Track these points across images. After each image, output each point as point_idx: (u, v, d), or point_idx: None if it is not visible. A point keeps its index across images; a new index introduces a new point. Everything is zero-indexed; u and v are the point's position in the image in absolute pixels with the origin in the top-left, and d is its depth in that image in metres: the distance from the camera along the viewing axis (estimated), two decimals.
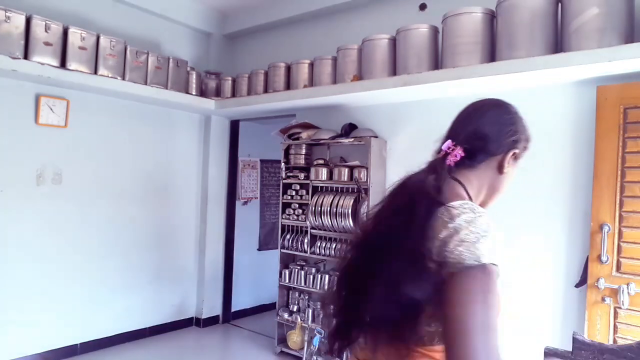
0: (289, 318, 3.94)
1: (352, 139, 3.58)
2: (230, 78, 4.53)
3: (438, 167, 1.09)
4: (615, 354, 1.31)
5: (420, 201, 0.99)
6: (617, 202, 2.53)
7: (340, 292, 1.12)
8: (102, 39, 3.64)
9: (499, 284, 0.90)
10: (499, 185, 1.16)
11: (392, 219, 1.03)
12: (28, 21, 3.25)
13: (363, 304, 1.02)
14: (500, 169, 1.13)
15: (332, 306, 1.15)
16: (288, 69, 4.05)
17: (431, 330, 0.94)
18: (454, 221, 0.94)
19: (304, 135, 3.90)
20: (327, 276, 3.73)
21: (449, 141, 1.17)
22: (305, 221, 3.84)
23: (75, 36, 3.48)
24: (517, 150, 1.16)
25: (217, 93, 4.57)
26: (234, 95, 4.47)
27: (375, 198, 3.50)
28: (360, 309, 1.03)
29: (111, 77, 3.69)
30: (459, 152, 1.11)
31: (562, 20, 2.61)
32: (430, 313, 0.92)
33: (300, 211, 3.90)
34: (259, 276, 5.31)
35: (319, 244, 3.78)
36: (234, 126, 5.04)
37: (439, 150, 1.17)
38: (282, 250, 4.05)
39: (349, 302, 1.07)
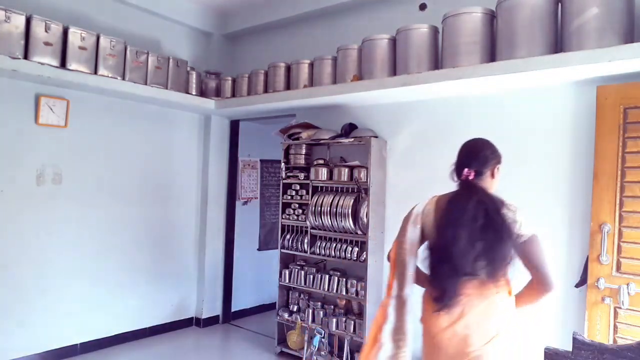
0: (289, 318, 3.94)
1: (352, 139, 3.58)
2: (230, 78, 4.53)
3: (470, 184, 1.85)
4: (615, 354, 1.30)
5: (493, 200, 1.77)
6: (617, 202, 2.53)
7: (444, 259, 1.75)
8: (102, 39, 3.64)
9: None
10: (494, 186, 1.94)
11: (474, 211, 1.73)
12: (28, 21, 3.25)
13: (464, 263, 1.70)
14: (492, 176, 1.92)
15: (433, 272, 1.79)
16: (288, 69, 4.05)
17: (507, 272, 1.77)
18: (513, 210, 1.78)
19: (304, 135, 3.90)
20: (327, 276, 3.73)
21: (466, 169, 1.86)
22: (305, 221, 3.84)
23: (75, 36, 3.48)
24: (499, 164, 1.95)
25: (217, 93, 4.57)
26: (234, 95, 4.47)
27: (375, 198, 3.50)
28: (460, 267, 1.71)
29: (111, 77, 3.69)
30: (472, 173, 1.85)
31: (562, 20, 2.61)
32: (507, 263, 1.75)
33: (300, 211, 3.90)
34: (259, 276, 5.31)
35: (319, 244, 3.77)
36: (234, 126, 5.04)
37: (461, 175, 1.88)
38: (282, 250, 4.05)
39: (455, 264, 1.70)
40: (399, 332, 1.76)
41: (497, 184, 1.93)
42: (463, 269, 1.69)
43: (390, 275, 1.87)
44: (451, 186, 3.33)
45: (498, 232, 1.70)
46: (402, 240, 1.88)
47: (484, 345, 1.71)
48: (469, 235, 1.69)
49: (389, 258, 1.99)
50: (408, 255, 1.83)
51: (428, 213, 1.90)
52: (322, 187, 3.81)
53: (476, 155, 1.89)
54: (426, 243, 1.88)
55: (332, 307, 3.76)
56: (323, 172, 3.75)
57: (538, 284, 1.79)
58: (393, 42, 3.29)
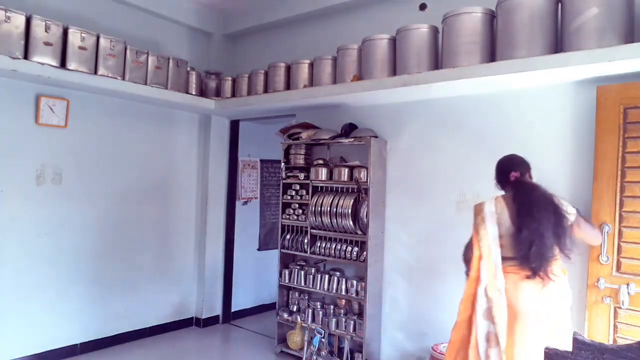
0: (289, 318, 3.94)
1: (352, 139, 3.58)
2: (230, 78, 4.53)
3: (523, 182, 2.36)
4: (615, 354, 1.30)
5: (548, 195, 2.26)
6: (617, 202, 2.53)
7: (533, 241, 2.17)
8: (102, 39, 3.64)
9: None
10: None
11: (539, 203, 2.21)
12: (28, 21, 3.25)
13: (550, 242, 2.16)
14: (530, 177, 2.43)
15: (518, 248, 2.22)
16: (288, 69, 4.05)
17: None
18: (561, 200, 2.26)
19: (304, 135, 3.90)
20: (327, 276, 3.73)
21: (513, 172, 2.38)
22: (305, 221, 3.84)
23: (75, 36, 3.48)
24: (531, 170, 2.46)
25: (217, 93, 4.57)
26: (234, 95, 4.47)
27: (375, 198, 3.50)
28: (548, 246, 2.16)
29: (111, 77, 3.69)
30: (519, 174, 2.37)
31: (562, 20, 2.61)
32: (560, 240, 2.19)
33: (300, 211, 3.90)
34: (259, 276, 5.31)
35: (319, 244, 3.77)
36: (234, 126, 5.04)
37: (509, 179, 2.38)
38: (282, 250, 4.05)
39: (544, 243, 2.15)
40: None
41: None
42: (551, 248, 2.16)
43: (476, 266, 2.32)
44: (452, 186, 3.32)
45: (561, 215, 2.19)
46: (482, 236, 2.29)
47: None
48: (546, 220, 2.16)
49: (466, 258, 2.47)
50: (493, 247, 2.25)
51: (501, 210, 2.30)
52: (322, 187, 3.81)
53: (518, 163, 2.42)
54: (509, 231, 2.27)
55: (332, 307, 3.76)
56: (323, 172, 3.75)
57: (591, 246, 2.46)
58: (393, 42, 3.29)
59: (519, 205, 2.26)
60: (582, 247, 2.45)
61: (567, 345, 1.67)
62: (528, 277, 2.18)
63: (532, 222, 2.17)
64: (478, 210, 2.35)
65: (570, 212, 2.24)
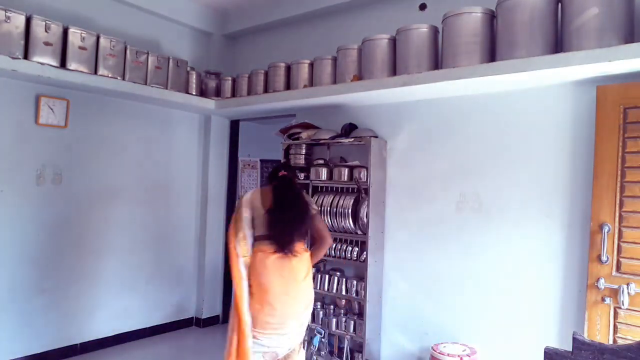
0: None
1: (352, 139, 3.58)
2: (230, 78, 4.53)
3: (285, 177, 2.83)
4: (615, 354, 1.30)
5: (300, 191, 2.81)
6: (617, 202, 2.53)
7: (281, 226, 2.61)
8: (102, 39, 3.64)
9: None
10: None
11: (291, 195, 2.70)
12: (28, 21, 3.25)
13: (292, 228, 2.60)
14: (295, 180, 3.02)
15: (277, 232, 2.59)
16: (288, 69, 4.05)
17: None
18: (307, 198, 2.86)
19: (304, 135, 3.90)
20: (327, 276, 3.73)
21: (282, 171, 2.83)
22: None
23: (75, 36, 3.48)
24: (296, 176, 3.28)
25: (217, 93, 4.57)
26: (234, 95, 4.47)
27: (375, 198, 3.50)
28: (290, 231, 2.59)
29: (111, 77, 3.69)
30: (284, 173, 2.84)
31: (562, 20, 2.61)
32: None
33: None
34: None
35: None
36: (234, 126, 5.04)
37: (279, 174, 2.83)
38: None
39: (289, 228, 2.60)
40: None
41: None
42: (296, 230, 2.61)
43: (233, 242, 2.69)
44: (452, 186, 3.34)
45: (306, 206, 2.70)
46: (238, 218, 2.66)
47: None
48: (294, 208, 2.64)
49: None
50: (247, 228, 2.64)
51: (260, 198, 2.70)
52: (322, 187, 3.81)
53: (289, 167, 3.09)
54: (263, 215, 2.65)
55: (332, 307, 3.76)
56: (323, 172, 3.75)
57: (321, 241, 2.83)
58: (393, 42, 3.29)
59: (275, 195, 2.67)
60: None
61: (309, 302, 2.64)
62: (275, 252, 2.56)
63: (283, 208, 2.62)
64: (241, 198, 2.76)
65: (314, 208, 2.78)
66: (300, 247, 2.64)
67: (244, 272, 2.58)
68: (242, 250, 2.60)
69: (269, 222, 2.61)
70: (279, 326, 2.54)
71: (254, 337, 2.51)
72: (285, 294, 2.55)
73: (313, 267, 2.80)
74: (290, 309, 2.56)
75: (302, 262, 2.63)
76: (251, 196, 2.75)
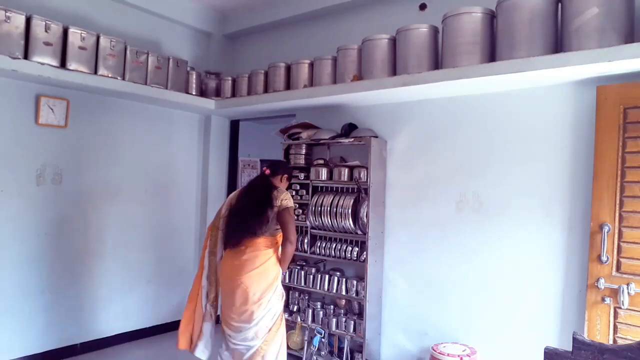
0: (289, 318, 3.93)
1: (352, 139, 3.58)
2: (230, 78, 4.53)
3: (261, 176, 3.01)
4: (615, 354, 1.30)
5: (267, 188, 2.88)
6: (617, 202, 2.53)
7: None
8: (102, 39, 3.64)
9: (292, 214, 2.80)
10: (282, 184, 3.08)
11: (253, 193, 2.84)
12: (28, 21, 3.25)
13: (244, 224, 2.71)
14: (281, 180, 3.07)
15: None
16: (288, 69, 4.05)
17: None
18: (279, 195, 2.79)
19: (304, 135, 3.90)
20: (327, 276, 3.73)
21: (265, 168, 3.02)
22: (305, 221, 3.84)
23: (75, 36, 3.48)
24: (286, 174, 3.11)
25: (217, 93, 4.57)
26: (234, 95, 4.47)
27: (375, 198, 3.51)
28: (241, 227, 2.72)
29: (111, 77, 3.69)
30: (268, 171, 3.01)
31: (562, 20, 2.61)
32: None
33: (300, 211, 3.90)
34: None
35: (319, 244, 3.77)
36: (234, 126, 5.04)
37: (263, 171, 3.05)
38: None
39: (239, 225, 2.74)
40: (211, 276, 2.94)
41: (284, 185, 3.03)
42: (254, 227, 2.70)
43: (207, 236, 3.02)
44: (452, 186, 3.34)
45: (268, 204, 2.73)
46: (216, 214, 2.98)
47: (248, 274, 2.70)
48: (253, 206, 2.74)
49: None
50: (220, 223, 2.91)
51: (236, 196, 2.92)
52: (322, 187, 3.81)
53: (276, 164, 3.07)
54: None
55: (332, 307, 3.76)
56: (323, 172, 3.75)
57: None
58: (393, 42, 3.29)
59: (243, 193, 2.83)
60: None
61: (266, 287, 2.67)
62: (232, 247, 2.73)
63: (237, 205, 2.78)
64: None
65: (283, 206, 2.73)
66: (254, 243, 2.71)
67: (206, 264, 2.92)
68: (210, 243, 2.92)
69: (226, 218, 2.82)
70: (227, 318, 2.75)
71: (222, 331, 2.81)
72: (228, 288, 2.72)
73: (287, 269, 2.98)
74: (230, 302, 2.71)
75: (252, 258, 2.69)
76: (233, 194, 2.97)
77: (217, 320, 2.95)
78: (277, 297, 2.77)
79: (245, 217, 2.71)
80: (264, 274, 2.68)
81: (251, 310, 2.65)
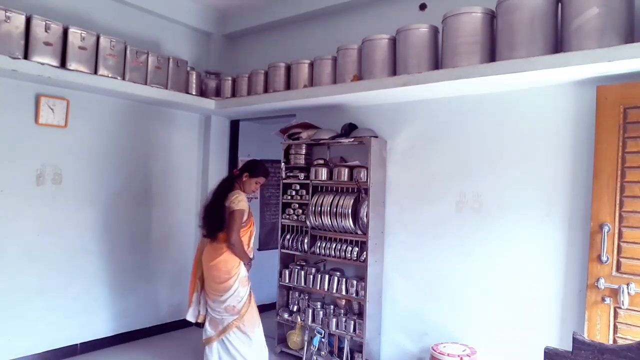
0: (289, 318, 3.94)
1: (352, 139, 3.58)
2: (230, 78, 4.53)
3: (229, 177, 3.47)
4: (615, 354, 1.31)
5: (228, 188, 3.31)
6: (617, 202, 2.53)
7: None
8: (102, 39, 3.64)
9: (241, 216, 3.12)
10: (246, 186, 3.37)
11: (217, 192, 3.30)
12: (28, 21, 3.25)
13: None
14: (245, 177, 3.37)
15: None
16: (288, 69, 4.05)
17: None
18: (233, 198, 3.18)
19: (304, 135, 3.90)
20: (327, 276, 3.73)
21: (235, 169, 3.49)
22: (305, 221, 3.84)
23: (75, 36, 3.48)
24: (251, 177, 3.37)
25: (217, 93, 4.57)
26: (234, 95, 4.47)
27: (375, 198, 3.51)
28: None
29: (111, 77, 3.69)
30: (235, 171, 3.46)
31: (562, 20, 2.61)
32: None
33: (300, 211, 3.90)
34: (259, 276, 5.29)
35: (319, 244, 3.77)
36: (234, 126, 5.04)
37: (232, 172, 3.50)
38: (282, 250, 4.05)
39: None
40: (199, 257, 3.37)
41: (247, 187, 3.29)
42: (217, 223, 3.13)
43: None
44: (452, 186, 3.34)
45: (222, 204, 3.11)
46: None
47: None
48: (217, 204, 3.17)
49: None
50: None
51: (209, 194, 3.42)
52: (322, 187, 3.81)
53: (247, 165, 3.36)
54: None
55: (332, 307, 3.76)
56: (323, 172, 3.75)
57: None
58: (393, 42, 3.29)
59: (212, 191, 3.30)
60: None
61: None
62: (203, 237, 3.25)
63: (209, 203, 3.21)
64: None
65: (235, 207, 3.04)
66: (215, 236, 3.14)
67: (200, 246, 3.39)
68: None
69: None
70: (206, 292, 3.23)
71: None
72: (204, 269, 3.21)
73: (248, 261, 3.24)
74: (207, 280, 3.20)
75: (214, 249, 3.14)
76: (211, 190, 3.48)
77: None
78: (239, 282, 3.13)
79: (206, 214, 3.20)
80: (222, 263, 3.10)
81: (217, 289, 3.12)
